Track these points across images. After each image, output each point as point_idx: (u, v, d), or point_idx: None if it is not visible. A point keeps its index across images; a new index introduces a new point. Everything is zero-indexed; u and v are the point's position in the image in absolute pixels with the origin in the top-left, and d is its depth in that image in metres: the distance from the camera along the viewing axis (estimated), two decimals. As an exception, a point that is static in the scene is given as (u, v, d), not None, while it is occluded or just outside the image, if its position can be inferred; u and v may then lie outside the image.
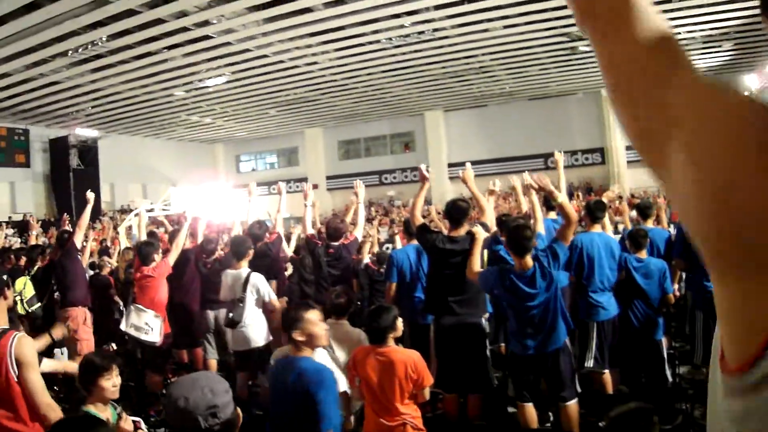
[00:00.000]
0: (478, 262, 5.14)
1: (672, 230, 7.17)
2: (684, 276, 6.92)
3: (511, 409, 5.73)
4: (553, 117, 23.17)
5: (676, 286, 6.18)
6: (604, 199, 6.20)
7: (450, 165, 25.66)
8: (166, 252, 7.01)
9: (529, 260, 4.71)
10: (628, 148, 22.20)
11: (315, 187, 28.13)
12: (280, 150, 30.50)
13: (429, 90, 21.74)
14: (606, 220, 6.15)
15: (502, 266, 5.03)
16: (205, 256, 7.17)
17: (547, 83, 21.36)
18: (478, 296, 5.34)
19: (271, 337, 6.01)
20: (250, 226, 7.25)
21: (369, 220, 11.34)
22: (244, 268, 6.13)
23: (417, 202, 5.68)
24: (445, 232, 5.56)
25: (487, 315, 5.57)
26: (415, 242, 6.17)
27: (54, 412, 3.07)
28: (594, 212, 5.86)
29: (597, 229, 5.83)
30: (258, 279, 6.01)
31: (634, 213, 7.86)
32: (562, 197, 5.01)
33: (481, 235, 5.15)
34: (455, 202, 5.52)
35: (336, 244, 6.48)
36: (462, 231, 5.34)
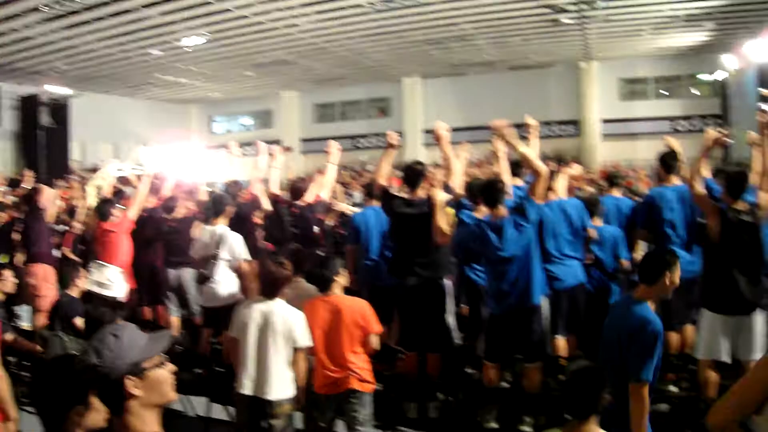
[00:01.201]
0: (443, 224, 5.18)
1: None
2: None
3: (470, 370, 5.87)
4: (530, 88, 23.09)
5: (639, 254, 6.27)
6: (565, 175, 6.22)
7: (425, 132, 25.32)
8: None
9: (501, 210, 4.85)
10: (604, 121, 22.36)
11: (288, 150, 28.17)
12: (254, 112, 30.10)
13: (408, 56, 21.56)
14: (561, 185, 6.16)
15: (478, 220, 5.09)
16: (165, 214, 7.16)
17: (527, 54, 21.24)
18: (441, 258, 5.39)
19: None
20: (225, 185, 7.26)
21: (342, 184, 11.31)
22: (220, 226, 6.15)
23: (381, 165, 5.70)
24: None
25: (450, 276, 5.65)
26: (377, 204, 6.19)
27: None
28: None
29: (552, 197, 5.85)
30: (233, 237, 6.04)
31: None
32: (526, 149, 5.00)
33: (440, 198, 5.19)
34: (410, 165, 5.56)
35: (300, 204, 6.50)
36: (421, 194, 5.38)
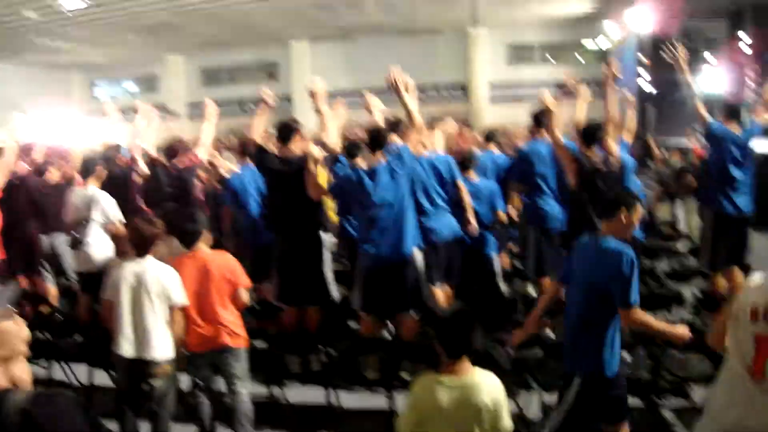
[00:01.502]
0: (317, 179, 5.22)
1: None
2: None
3: (353, 325, 5.93)
4: (419, 53, 23.21)
5: (512, 208, 6.51)
6: (441, 132, 6.35)
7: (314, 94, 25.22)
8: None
9: (380, 156, 4.96)
10: (491, 85, 22.91)
11: (174, 115, 27.20)
12: (138, 77, 28.84)
13: (295, 19, 21.21)
14: (438, 141, 6.27)
15: (354, 167, 5.17)
16: (37, 179, 6.85)
17: (415, 18, 21.38)
18: (317, 212, 5.42)
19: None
20: (104, 149, 6.99)
21: (228, 148, 11.04)
22: (91, 187, 5.98)
23: (256, 123, 5.60)
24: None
25: (329, 230, 5.70)
26: (250, 163, 6.18)
27: None
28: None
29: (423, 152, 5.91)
30: (105, 199, 5.87)
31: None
32: (409, 99, 5.05)
33: (314, 152, 5.19)
34: (284, 121, 5.53)
35: (177, 165, 6.37)
36: (295, 150, 5.36)
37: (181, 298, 3.94)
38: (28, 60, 25.37)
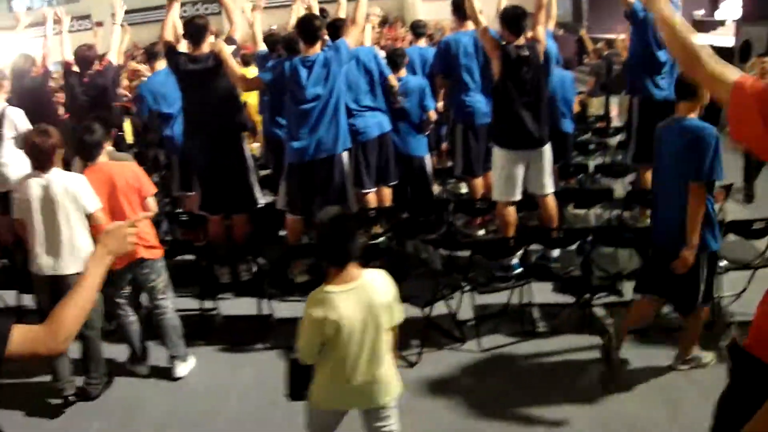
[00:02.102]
0: (237, 70, 5.05)
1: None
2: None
3: (282, 232, 5.81)
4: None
5: (440, 104, 6.32)
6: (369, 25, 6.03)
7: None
8: None
9: (316, 47, 4.78)
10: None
11: (99, 24, 25.63)
12: (57, -16, 26.99)
13: None
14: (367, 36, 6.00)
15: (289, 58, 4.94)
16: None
17: None
18: (237, 113, 5.21)
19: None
20: (14, 60, 6.47)
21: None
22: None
23: (166, 21, 5.23)
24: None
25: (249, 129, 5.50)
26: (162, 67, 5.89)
27: None
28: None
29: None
30: (13, 112, 5.48)
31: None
32: None
33: (225, 49, 4.96)
34: (191, 20, 5.20)
35: (90, 72, 6.01)
36: (204, 49, 5.06)
37: (95, 203, 3.73)
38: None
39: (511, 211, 5.07)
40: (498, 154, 5.04)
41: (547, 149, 5.01)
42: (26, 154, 3.81)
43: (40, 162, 3.71)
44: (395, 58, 5.79)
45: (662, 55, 5.52)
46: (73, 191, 3.69)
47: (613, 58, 9.45)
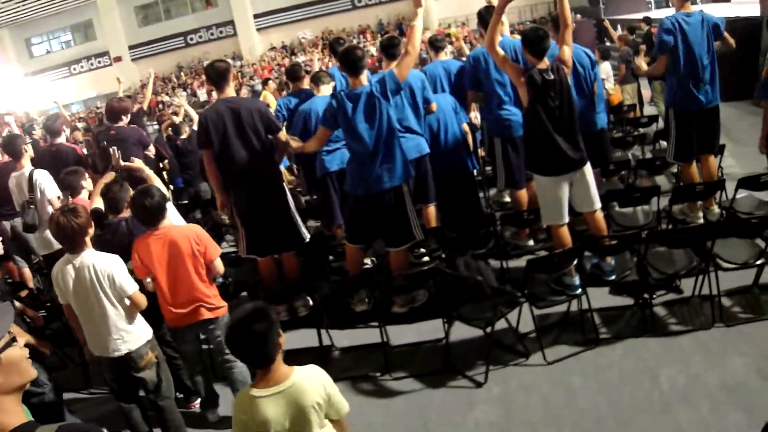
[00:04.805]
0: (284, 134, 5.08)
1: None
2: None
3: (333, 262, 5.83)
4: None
5: (473, 115, 6.28)
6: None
7: (256, 16, 24.45)
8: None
9: (363, 79, 4.79)
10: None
11: (118, 60, 26.14)
12: (73, 26, 27.59)
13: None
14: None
15: (337, 91, 5.00)
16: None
17: None
18: (272, 153, 5.12)
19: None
20: (44, 123, 6.65)
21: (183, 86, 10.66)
22: (27, 167, 5.76)
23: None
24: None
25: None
26: None
27: None
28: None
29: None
30: (41, 176, 5.64)
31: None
32: (418, 23, 4.81)
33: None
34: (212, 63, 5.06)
35: (118, 126, 6.15)
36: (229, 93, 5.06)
37: (132, 285, 3.60)
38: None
39: (565, 232, 4.92)
40: (539, 181, 4.91)
41: (588, 167, 4.86)
42: (54, 237, 3.65)
43: (70, 245, 3.55)
44: None
45: (705, 60, 5.46)
46: (108, 273, 3.52)
47: (639, 44, 9.35)
